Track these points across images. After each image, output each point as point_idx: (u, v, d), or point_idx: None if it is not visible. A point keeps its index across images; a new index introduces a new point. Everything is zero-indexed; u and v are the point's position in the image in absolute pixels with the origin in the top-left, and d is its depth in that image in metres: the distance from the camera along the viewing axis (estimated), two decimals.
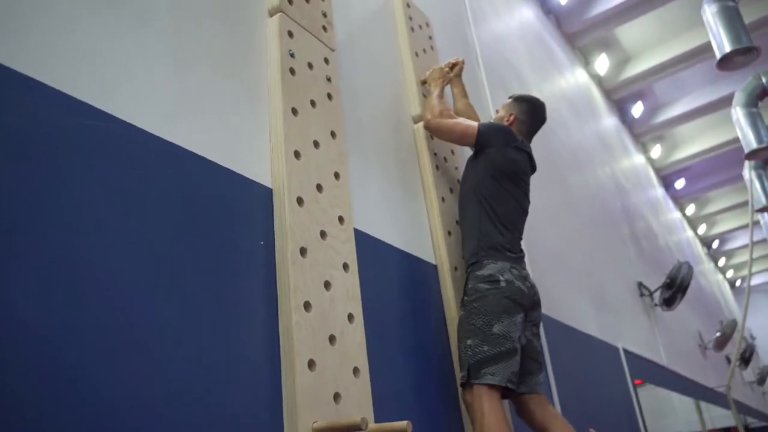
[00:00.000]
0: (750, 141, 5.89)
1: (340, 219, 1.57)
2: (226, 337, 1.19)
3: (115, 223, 1.07)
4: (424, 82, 2.40)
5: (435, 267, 2.06)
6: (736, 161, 8.47)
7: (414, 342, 1.79)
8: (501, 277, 1.85)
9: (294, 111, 1.55)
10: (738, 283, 16.12)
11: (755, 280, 15.03)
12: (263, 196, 1.42)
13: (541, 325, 2.77)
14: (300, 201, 1.45)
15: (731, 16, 4.09)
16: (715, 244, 13.45)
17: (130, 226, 1.09)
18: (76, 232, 1.00)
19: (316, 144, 1.59)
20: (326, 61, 1.80)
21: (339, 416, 1.29)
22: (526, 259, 2.09)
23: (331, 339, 1.37)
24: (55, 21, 1.09)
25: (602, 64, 7.32)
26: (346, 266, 1.52)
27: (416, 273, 1.95)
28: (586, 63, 7.31)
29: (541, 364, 1.98)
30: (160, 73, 1.28)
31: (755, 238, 5.83)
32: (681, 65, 7.20)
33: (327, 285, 1.42)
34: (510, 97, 2.30)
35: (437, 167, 2.26)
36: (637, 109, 8.33)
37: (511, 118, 2.20)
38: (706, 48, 6.39)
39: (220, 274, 1.24)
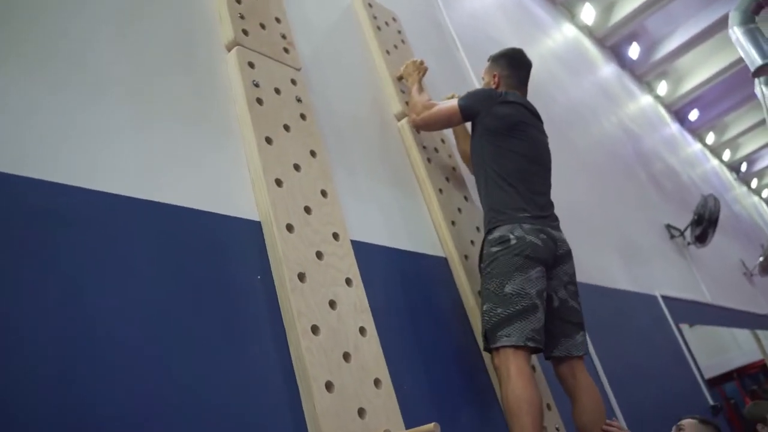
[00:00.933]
0: (754, 58, 5.70)
1: (335, 235, 1.57)
2: (243, 377, 1.21)
3: (116, 291, 1.10)
4: (400, 78, 2.40)
5: (445, 259, 2.06)
6: (745, 81, 8.24)
7: (436, 339, 1.79)
8: (511, 236, 1.82)
9: (268, 140, 1.56)
10: None
11: None
12: (253, 230, 1.44)
13: None
14: (290, 227, 1.46)
15: None
16: (744, 167, 13.11)
17: (130, 291, 1.12)
18: (81, 306, 1.03)
19: (296, 167, 1.60)
20: (293, 82, 1.80)
21: (367, 431, 1.30)
22: None
23: (346, 356, 1.38)
24: (13, 111, 1.12)
25: (588, 13, 7.19)
26: (349, 281, 1.52)
27: (426, 270, 1.95)
28: (572, 16, 7.20)
29: (579, 324, 1.92)
30: (127, 136, 1.30)
31: None
32: None
33: (332, 304, 1.43)
34: (488, 60, 2.31)
35: (429, 160, 2.25)
36: (633, 51, 8.17)
37: (496, 78, 2.23)
38: None
39: (225, 317, 1.25)
